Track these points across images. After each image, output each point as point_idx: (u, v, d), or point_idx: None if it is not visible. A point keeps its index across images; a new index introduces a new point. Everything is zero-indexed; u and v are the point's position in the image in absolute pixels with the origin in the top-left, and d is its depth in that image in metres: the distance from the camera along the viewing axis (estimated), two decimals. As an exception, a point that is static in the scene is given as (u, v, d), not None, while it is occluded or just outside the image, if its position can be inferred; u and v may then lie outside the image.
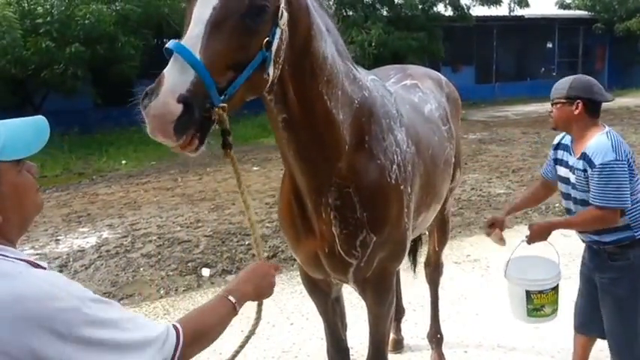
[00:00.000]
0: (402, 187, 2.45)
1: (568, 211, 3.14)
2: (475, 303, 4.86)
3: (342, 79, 2.22)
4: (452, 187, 3.63)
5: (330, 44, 2.16)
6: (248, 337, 2.00)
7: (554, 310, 3.16)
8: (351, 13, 20.82)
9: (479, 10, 23.25)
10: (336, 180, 2.29)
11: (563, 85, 2.99)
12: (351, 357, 3.23)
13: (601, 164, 2.77)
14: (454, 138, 3.44)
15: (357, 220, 2.35)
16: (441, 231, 3.98)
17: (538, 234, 3.08)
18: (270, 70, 1.84)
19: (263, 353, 4.21)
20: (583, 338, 3.34)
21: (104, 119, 17.32)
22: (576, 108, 2.91)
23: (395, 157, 2.43)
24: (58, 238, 7.49)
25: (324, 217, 2.36)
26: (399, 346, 4.20)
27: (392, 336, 4.16)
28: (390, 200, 2.42)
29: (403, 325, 4.29)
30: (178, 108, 1.56)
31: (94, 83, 16.12)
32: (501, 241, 3.30)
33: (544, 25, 27.78)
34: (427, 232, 4.05)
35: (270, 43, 1.79)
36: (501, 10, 24.04)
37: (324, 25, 2.15)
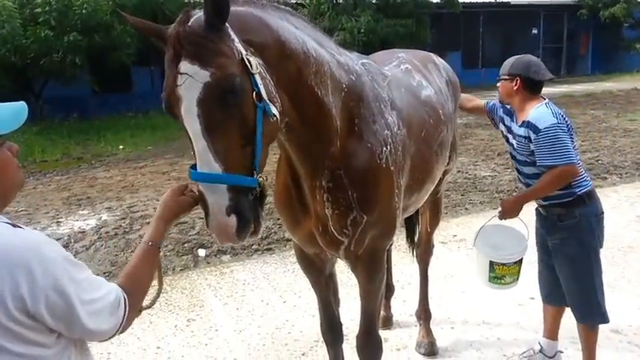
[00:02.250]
0: (392, 168, 2.53)
1: (517, 170, 3.44)
2: (461, 281, 4.98)
3: (329, 66, 2.28)
4: (447, 169, 3.68)
5: (305, 39, 2.20)
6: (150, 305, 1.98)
7: (515, 280, 3.45)
8: (340, 0, 20.95)
9: (465, -3, 23.37)
10: (329, 163, 2.38)
11: (507, 63, 3.30)
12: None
13: (545, 128, 3.05)
14: (451, 122, 3.48)
15: (347, 201, 2.45)
16: (434, 212, 4.03)
17: (509, 210, 3.31)
18: (274, 110, 1.89)
19: (257, 330, 4.34)
20: (552, 308, 3.55)
21: (102, 105, 17.53)
22: (515, 84, 3.21)
23: (385, 139, 2.50)
24: (59, 220, 7.64)
25: (318, 198, 2.47)
26: (388, 322, 4.29)
27: (381, 313, 4.29)
28: (380, 181, 2.50)
29: (392, 303, 4.40)
30: (233, 219, 1.77)
31: (91, 71, 16.31)
32: None
33: (529, 11, 27.93)
34: (420, 214, 4.12)
35: (259, 94, 1.83)
36: (487, -3, 24.15)
37: (290, 25, 2.18)
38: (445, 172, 3.69)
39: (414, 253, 4.26)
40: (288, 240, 5.99)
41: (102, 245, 6.52)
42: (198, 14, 1.83)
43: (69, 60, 14.58)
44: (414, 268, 4.35)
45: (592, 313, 3.27)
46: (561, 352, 3.64)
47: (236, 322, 4.50)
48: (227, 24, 1.82)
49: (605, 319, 3.28)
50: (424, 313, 4.08)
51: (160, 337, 4.28)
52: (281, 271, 5.41)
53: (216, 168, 1.76)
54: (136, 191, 8.96)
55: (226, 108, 1.77)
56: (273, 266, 5.59)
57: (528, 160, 3.23)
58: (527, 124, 3.15)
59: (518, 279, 3.47)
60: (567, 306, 3.41)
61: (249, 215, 1.81)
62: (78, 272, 1.51)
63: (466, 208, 7.27)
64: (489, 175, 8.91)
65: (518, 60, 3.27)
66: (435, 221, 4.09)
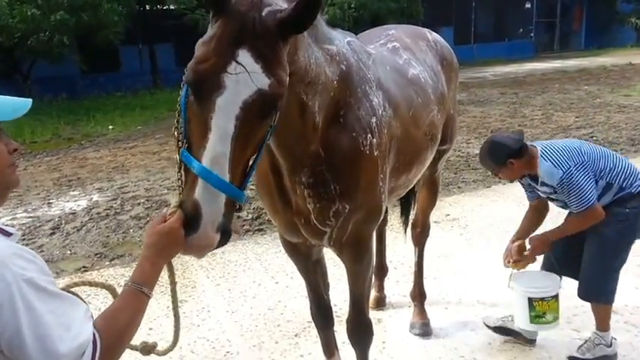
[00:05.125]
0: (375, 153, 2.42)
1: (562, 207, 3.41)
2: (454, 261, 4.97)
3: (323, 70, 2.12)
4: (443, 149, 3.57)
5: (311, 44, 2.04)
6: (175, 302, 1.91)
7: (556, 319, 3.41)
8: (331, -26, 20.72)
9: (458, -30, 23.20)
10: (309, 161, 2.29)
11: (485, 160, 3.38)
12: (335, 314, 3.32)
13: (558, 184, 3.14)
14: (445, 101, 3.35)
15: (329, 195, 2.36)
16: (430, 192, 3.95)
17: (540, 247, 3.42)
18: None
19: (250, 311, 4.33)
20: None
21: (90, 85, 17.63)
22: (512, 165, 3.24)
23: (370, 125, 2.38)
24: (50, 201, 7.64)
25: (299, 193, 2.39)
26: (381, 303, 4.28)
27: (375, 294, 4.24)
28: (363, 169, 2.41)
29: (385, 283, 4.37)
30: (217, 237, 1.59)
31: (79, 50, 16.47)
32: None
33: (523, -16, 27.78)
34: (417, 194, 4.06)
35: (276, 117, 1.73)
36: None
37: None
38: (442, 152, 3.60)
39: (410, 234, 4.16)
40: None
41: (93, 226, 6.49)
42: (273, 7, 1.67)
43: (56, 39, 14.65)
44: (407, 248, 4.33)
45: (597, 295, 3.37)
46: None
47: (228, 303, 4.48)
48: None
49: (607, 300, 3.38)
50: (419, 294, 4.05)
51: (152, 319, 4.24)
52: (273, 252, 5.37)
53: (227, 177, 1.58)
54: (126, 172, 8.95)
55: (260, 121, 1.64)
56: (264, 247, 5.56)
57: (564, 199, 3.25)
58: (543, 184, 3.25)
59: (559, 318, 3.45)
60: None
61: (230, 234, 1.65)
62: (42, 301, 1.34)
63: (459, 187, 7.25)
64: (483, 153, 8.83)
65: (491, 150, 3.31)
66: (431, 201, 4.01)
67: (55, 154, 10.74)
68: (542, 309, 3.38)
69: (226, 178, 1.57)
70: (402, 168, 2.82)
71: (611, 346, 3.44)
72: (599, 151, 3.27)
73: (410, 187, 3.29)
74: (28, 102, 1.53)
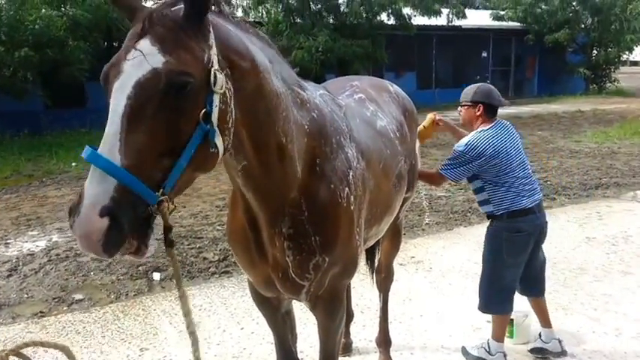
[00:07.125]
0: (352, 207, 2.42)
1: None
2: (420, 304, 4.98)
3: (292, 110, 2.15)
4: (405, 197, 3.54)
5: (277, 77, 2.07)
6: None
7: (510, 338, 4.21)
8: (298, 20, 21.37)
9: (419, 20, 24.21)
10: (289, 210, 2.26)
11: (470, 91, 3.80)
12: (302, 360, 3.27)
13: (455, 148, 3.69)
14: (409, 151, 3.40)
15: (309, 246, 2.32)
16: (393, 239, 3.97)
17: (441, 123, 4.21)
18: (218, 142, 1.73)
19: (214, 359, 4.22)
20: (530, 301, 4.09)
21: (54, 121, 17.38)
22: (478, 110, 3.73)
23: (346, 176, 2.39)
24: (8, 241, 7.38)
25: (278, 245, 2.34)
26: (347, 349, 4.22)
27: (341, 340, 4.23)
28: (341, 221, 2.39)
29: (351, 328, 4.33)
30: (103, 223, 1.47)
31: (43, 86, 16.35)
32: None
33: (480, 35, 29.21)
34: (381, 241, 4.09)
35: (208, 114, 1.67)
36: (440, 20, 25.01)
37: (266, 58, 2.04)
38: (404, 200, 3.61)
39: (374, 279, 4.17)
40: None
41: (52, 268, 6.29)
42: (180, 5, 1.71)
43: (20, 75, 14.61)
44: (374, 291, 4.32)
45: (480, 303, 3.85)
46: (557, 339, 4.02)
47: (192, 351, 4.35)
48: (211, 31, 1.73)
49: (483, 309, 3.86)
50: (384, 341, 4.04)
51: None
52: (239, 295, 5.30)
53: (117, 159, 1.51)
54: (88, 211, 8.71)
55: (163, 106, 1.58)
56: (230, 290, 5.48)
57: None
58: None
59: (511, 337, 4.27)
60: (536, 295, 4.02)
61: (126, 227, 1.51)
62: None
63: (423, 229, 7.32)
64: (444, 196, 9.01)
65: (480, 88, 3.77)
66: (394, 248, 4.03)
67: (15, 191, 10.44)
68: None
69: (116, 160, 1.51)
70: (373, 220, 2.82)
71: (493, 355, 3.81)
72: (510, 171, 3.65)
73: (379, 237, 3.31)
74: None
